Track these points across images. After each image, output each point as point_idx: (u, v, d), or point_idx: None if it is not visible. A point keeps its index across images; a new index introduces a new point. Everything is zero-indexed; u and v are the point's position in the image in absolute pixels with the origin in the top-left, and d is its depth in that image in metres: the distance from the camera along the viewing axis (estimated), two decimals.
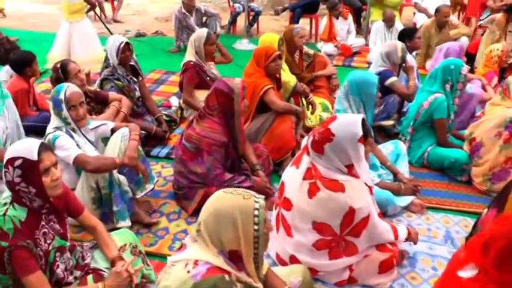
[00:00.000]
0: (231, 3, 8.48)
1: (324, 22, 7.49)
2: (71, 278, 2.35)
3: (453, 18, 7.13)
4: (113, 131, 3.08)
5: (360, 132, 2.43)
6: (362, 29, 8.30)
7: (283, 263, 2.70)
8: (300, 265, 2.45)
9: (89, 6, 6.19)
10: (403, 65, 4.48)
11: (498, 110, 3.75)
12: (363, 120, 2.47)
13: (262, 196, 1.82)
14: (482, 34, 7.24)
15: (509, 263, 1.55)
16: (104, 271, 2.39)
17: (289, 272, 2.31)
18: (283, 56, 4.33)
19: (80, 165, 2.84)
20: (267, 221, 1.79)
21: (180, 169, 3.26)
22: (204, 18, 7.49)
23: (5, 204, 2.16)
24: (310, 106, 4.40)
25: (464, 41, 6.63)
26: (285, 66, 4.47)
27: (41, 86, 5.58)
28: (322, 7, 8.49)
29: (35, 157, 2.11)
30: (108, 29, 7.37)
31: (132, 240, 2.57)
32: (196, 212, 3.20)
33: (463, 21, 7.93)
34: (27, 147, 2.14)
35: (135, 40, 7.85)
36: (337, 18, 7.43)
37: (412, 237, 2.85)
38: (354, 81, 3.31)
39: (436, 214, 3.47)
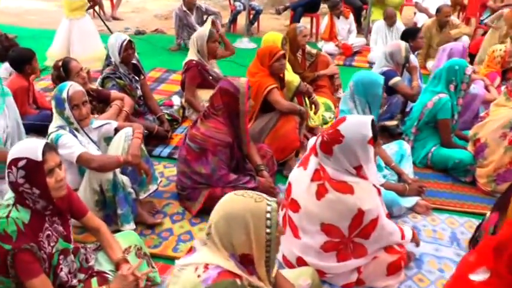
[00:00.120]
0: (232, 2, 8.44)
1: (325, 21, 7.46)
2: (74, 281, 2.32)
3: (453, 18, 7.12)
4: (116, 130, 3.04)
5: (370, 134, 2.40)
6: (362, 29, 8.28)
7: (290, 265, 2.67)
8: (308, 267, 2.42)
9: (89, 4, 6.12)
10: (407, 65, 4.45)
11: (503, 111, 3.73)
12: (372, 121, 2.44)
13: (274, 199, 1.79)
14: (483, 34, 7.26)
15: None
16: (109, 274, 2.36)
17: (298, 274, 2.28)
18: (286, 55, 4.29)
19: (83, 164, 2.79)
20: (279, 224, 1.75)
21: (184, 169, 3.22)
22: (205, 17, 7.44)
23: (8, 205, 2.12)
24: (313, 106, 4.37)
25: (466, 40, 6.64)
26: (288, 65, 4.44)
27: (40, 83, 5.52)
28: (323, 6, 8.47)
29: (39, 157, 2.07)
30: (107, 26, 7.32)
31: (137, 242, 2.54)
32: (200, 213, 3.21)
33: (462, 21, 7.91)
34: (32, 147, 2.10)
35: (135, 38, 7.74)
36: (338, 18, 7.40)
37: (415, 238, 2.84)
38: (360, 82, 3.28)
39: (441, 215, 3.45)
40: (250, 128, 3.71)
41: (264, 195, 1.78)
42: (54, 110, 2.88)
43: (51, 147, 2.15)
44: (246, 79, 3.19)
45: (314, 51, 5.23)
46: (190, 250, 1.87)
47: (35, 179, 2.08)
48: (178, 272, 1.80)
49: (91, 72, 5.39)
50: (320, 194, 2.49)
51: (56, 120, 2.88)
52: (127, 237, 2.55)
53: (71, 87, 2.85)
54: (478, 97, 4.39)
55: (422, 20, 7.57)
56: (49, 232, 2.20)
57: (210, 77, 4.62)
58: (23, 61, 4.13)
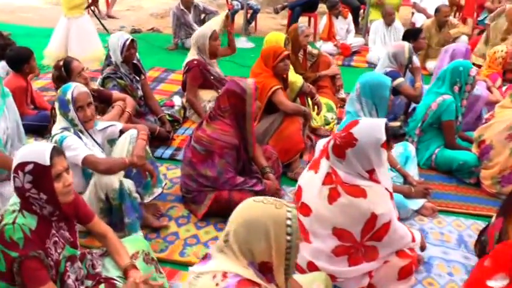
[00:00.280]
0: (229, 1, 8.37)
1: (323, 21, 7.42)
2: None
3: (451, 18, 7.12)
4: (121, 132, 2.98)
5: (384, 137, 2.37)
6: (360, 29, 8.26)
7: (300, 269, 2.62)
8: (321, 273, 2.38)
9: (88, 2, 6.01)
10: (410, 65, 4.43)
11: (508, 113, 3.72)
12: (386, 124, 2.41)
13: (293, 205, 1.74)
14: (479, 33, 7.29)
15: None
16: (117, 280, 2.29)
17: (311, 280, 2.25)
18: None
19: (89, 166, 2.73)
20: (299, 230, 1.71)
21: (189, 172, 3.16)
22: (202, 16, 7.38)
23: (14, 211, 2.06)
24: (315, 107, 4.33)
25: (464, 40, 6.64)
26: (290, 66, 4.39)
27: (37, 83, 5.42)
28: (321, 6, 8.44)
29: (47, 162, 2.01)
30: (103, 25, 7.23)
31: (145, 248, 2.48)
32: (206, 217, 3.15)
33: (459, 21, 7.92)
34: (39, 151, 2.03)
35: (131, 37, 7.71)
36: (337, 18, 7.38)
37: (422, 242, 2.81)
38: (367, 84, 3.24)
39: (448, 217, 3.43)
40: (254, 129, 3.66)
41: (284, 201, 1.74)
42: (57, 112, 2.81)
43: (59, 151, 2.09)
44: (253, 80, 3.14)
45: (315, 51, 5.20)
46: (205, 257, 1.82)
47: (42, 184, 2.02)
48: (195, 280, 1.75)
49: (89, 71, 5.36)
50: (332, 198, 2.45)
51: (60, 122, 2.81)
52: (134, 242, 2.49)
53: (76, 88, 2.78)
54: (481, 98, 4.38)
55: (420, 20, 7.56)
56: (56, 238, 2.14)
57: (212, 77, 4.57)
58: (21, 60, 4.06)
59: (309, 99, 4.38)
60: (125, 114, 3.59)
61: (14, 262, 1.98)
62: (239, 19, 8.46)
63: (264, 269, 1.69)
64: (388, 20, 6.90)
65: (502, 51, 5.02)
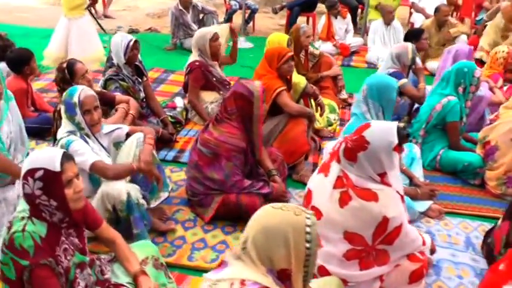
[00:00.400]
0: (227, 1, 8.33)
1: (322, 21, 7.40)
2: None
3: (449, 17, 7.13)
4: (127, 135, 2.94)
5: (396, 141, 2.35)
6: (358, 28, 8.25)
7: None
8: (333, 277, 2.36)
9: (88, 3, 5.93)
10: (413, 66, 4.42)
11: None
12: (398, 127, 2.39)
13: (311, 211, 1.72)
14: (475, 33, 7.32)
15: None
16: (127, 286, 2.26)
17: (324, 285, 2.23)
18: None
19: (97, 173, 2.69)
20: (318, 237, 1.69)
21: (195, 175, 3.13)
22: (201, 16, 7.33)
23: (23, 218, 2.02)
24: (319, 108, 4.31)
25: (464, 39, 6.65)
26: None
27: (37, 84, 5.36)
28: (320, 6, 8.42)
29: (57, 168, 1.97)
30: (100, 25, 7.17)
31: (154, 253, 2.45)
32: (213, 220, 3.12)
33: (457, 21, 7.93)
34: (49, 157, 2.00)
35: None
36: (336, 18, 7.36)
37: (432, 244, 2.80)
38: (375, 86, 3.22)
39: (454, 219, 3.43)
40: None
41: (302, 207, 1.71)
42: (63, 115, 2.76)
43: (69, 157, 2.05)
44: (260, 82, 3.12)
45: (317, 52, 5.18)
46: (221, 264, 1.79)
47: (53, 190, 1.98)
48: None
49: (90, 72, 5.30)
50: (343, 201, 2.43)
51: (66, 126, 2.76)
52: (143, 247, 2.45)
53: (82, 91, 2.74)
54: (484, 99, 4.37)
55: (419, 20, 7.56)
56: (66, 245, 2.11)
57: (214, 79, 4.54)
58: (22, 62, 4.02)
59: (312, 100, 4.36)
60: (128, 116, 3.56)
61: (24, 270, 1.95)
62: (237, 19, 8.43)
63: (283, 277, 1.67)
64: (388, 19, 6.89)
65: (503, 51, 5.01)
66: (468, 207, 3.56)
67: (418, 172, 3.64)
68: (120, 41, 3.90)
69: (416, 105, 4.55)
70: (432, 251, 2.79)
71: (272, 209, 1.69)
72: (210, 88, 4.53)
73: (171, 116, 4.34)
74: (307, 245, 1.65)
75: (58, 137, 2.76)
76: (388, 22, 6.93)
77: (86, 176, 2.80)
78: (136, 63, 4.14)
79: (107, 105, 3.69)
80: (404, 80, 4.25)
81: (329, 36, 7.31)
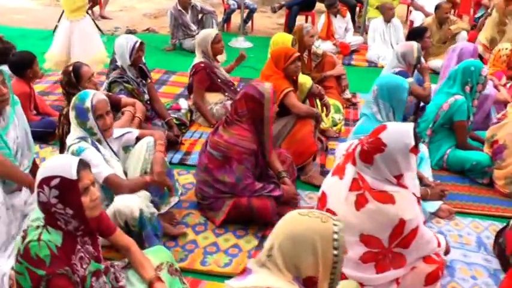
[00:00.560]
0: (225, 0, 8.29)
1: (322, 20, 7.38)
2: None
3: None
4: (137, 139, 2.90)
5: (413, 142, 2.33)
6: (357, 27, 8.24)
7: None
8: (351, 281, 2.34)
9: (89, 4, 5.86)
10: (418, 65, 4.40)
11: None
12: (414, 129, 2.37)
13: (337, 217, 1.70)
14: (472, 28, 7.33)
15: None
16: None
17: None
18: None
19: (111, 187, 2.64)
20: (345, 244, 1.66)
21: (205, 178, 3.10)
22: (200, 16, 7.29)
23: (38, 227, 1.98)
24: (324, 108, 4.28)
25: (464, 35, 6.64)
26: None
27: (37, 87, 5.28)
28: (319, 4, 8.39)
29: (74, 176, 1.94)
30: (97, 26, 7.09)
31: (168, 259, 2.42)
32: (224, 224, 3.09)
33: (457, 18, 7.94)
34: (65, 164, 1.96)
35: None
36: (336, 16, 7.35)
37: (447, 245, 2.78)
38: (385, 86, 3.20)
39: (464, 219, 3.41)
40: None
41: (328, 214, 1.69)
42: (73, 121, 2.71)
43: (85, 164, 2.02)
44: (270, 84, 3.08)
45: (320, 51, 5.15)
46: (244, 271, 1.76)
47: (69, 198, 1.95)
48: None
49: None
50: (359, 204, 2.41)
51: (75, 131, 2.71)
52: (158, 253, 2.42)
53: (95, 96, 2.68)
54: (490, 97, 4.36)
55: (418, 18, 7.56)
56: (81, 254, 2.07)
57: (219, 80, 4.51)
58: (24, 65, 3.96)
59: (317, 100, 4.33)
60: (135, 119, 3.51)
61: (41, 280, 1.91)
62: (236, 19, 8.40)
63: (309, 284, 1.64)
64: (388, 16, 6.89)
65: (506, 49, 5.02)
66: (478, 207, 3.55)
67: (427, 172, 3.62)
68: (125, 42, 3.85)
69: (421, 104, 4.53)
70: (446, 252, 2.78)
71: (299, 215, 1.66)
72: (215, 89, 4.49)
73: (175, 117, 4.30)
74: (335, 252, 1.62)
75: (68, 143, 2.71)
76: (388, 19, 6.92)
77: (97, 183, 2.75)
78: (140, 65, 4.09)
79: (113, 108, 3.61)
80: (410, 79, 4.22)
81: (329, 35, 7.29)
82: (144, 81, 4.09)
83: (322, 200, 2.61)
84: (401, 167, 2.37)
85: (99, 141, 2.72)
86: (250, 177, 3.01)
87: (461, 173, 3.93)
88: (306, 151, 3.67)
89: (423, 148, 3.77)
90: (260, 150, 3.09)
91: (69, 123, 3.09)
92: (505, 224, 3.14)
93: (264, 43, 7.69)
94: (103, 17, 8.90)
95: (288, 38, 4.36)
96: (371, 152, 2.36)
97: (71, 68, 3.31)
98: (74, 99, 2.71)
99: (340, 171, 2.55)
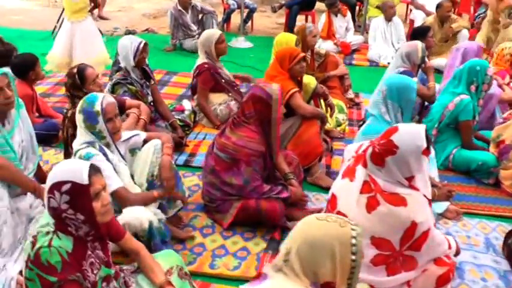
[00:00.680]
0: (225, 0, 8.26)
1: (322, 19, 7.36)
2: None
3: None
4: (144, 141, 2.87)
5: (425, 144, 2.32)
6: (357, 26, 8.22)
7: None
8: (362, 284, 2.32)
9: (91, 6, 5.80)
10: (422, 65, 4.39)
11: None
12: (426, 130, 2.35)
13: (354, 221, 1.68)
14: (472, 26, 7.33)
15: None
16: None
17: None
18: None
19: (118, 200, 2.60)
20: (363, 249, 1.64)
21: (212, 180, 3.07)
22: (200, 16, 7.26)
23: (48, 233, 1.95)
24: (328, 108, 4.26)
25: (465, 34, 6.63)
26: None
27: (38, 88, 5.23)
28: (318, 4, 8.37)
29: (85, 181, 1.91)
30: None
31: (178, 262, 2.39)
32: (231, 226, 3.07)
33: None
34: (76, 169, 1.94)
35: None
36: (336, 16, 7.32)
37: (457, 247, 2.77)
38: (395, 86, 3.19)
39: (471, 220, 3.40)
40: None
41: (346, 218, 1.67)
42: (80, 124, 2.66)
43: (96, 169, 1.99)
44: (278, 85, 3.06)
45: (323, 51, 5.13)
46: (259, 276, 1.74)
47: (80, 204, 1.93)
48: None
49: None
50: (371, 206, 2.39)
51: (82, 136, 2.66)
52: (167, 257, 2.39)
53: (104, 99, 2.65)
54: (495, 97, 4.34)
55: (419, 17, 7.54)
56: (92, 259, 2.05)
57: (223, 80, 4.48)
58: (27, 67, 3.92)
59: (321, 100, 4.31)
60: (140, 121, 3.48)
61: (52, 287, 1.89)
62: (235, 19, 8.37)
63: None
64: (390, 14, 6.88)
65: (509, 47, 4.99)
66: (485, 208, 3.53)
67: (433, 172, 3.59)
68: (129, 43, 3.82)
69: (425, 104, 4.51)
70: (456, 253, 2.76)
71: (317, 220, 1.65)
72: (218, 90, 4.47)
73: (179, 119, 4.26)
74: (353, 257, 1.61)
75: (75, 147, 2.67)
76: (389, 18, 6.91)
77: None
78: (143, 66, 4.06)
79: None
80: (415, 79, 4.20)
81: (329, 34, 7.27)
82: (147, 83, 4.06)
83: (332, 203, 2.59)
84: (413, 169, 2.35)
85: (107, 145, 2.68)
86: (259, 179, 2.98)
87: (467, 173, 3.91)
88: (312, 152, 3.65)
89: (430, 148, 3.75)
90: (268, 152, 3.06)
91: (73, 126, 3.06)
92: (510, 229, 3.13)
93: (264, 43, 7.70)
94: (101, 18, 8.85)
95: (292, 38, 4.34)
96: (383, 154, 2.35)
97: (75, 70, 3.27)
98: (81, 102, 2.67)
99: (350, 174, 2.54)
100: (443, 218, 3.38)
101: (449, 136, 3.96)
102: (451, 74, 4.32)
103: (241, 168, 2.95)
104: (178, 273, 2.35)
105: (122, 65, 3.92)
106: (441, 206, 3.37)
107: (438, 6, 6.45)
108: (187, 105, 4.54)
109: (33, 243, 1.95)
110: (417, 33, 5.03)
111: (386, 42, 7.02)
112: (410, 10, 8.42)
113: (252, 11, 8.19)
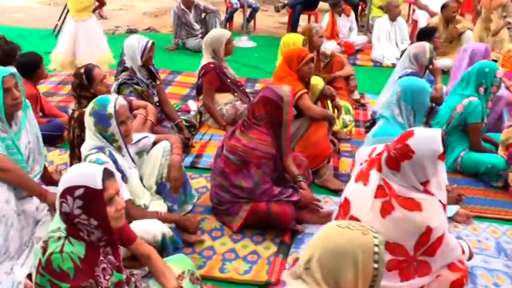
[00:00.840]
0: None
1: (325, 19, 7.33)
2: None
3: None
4: (153, 143, 2.83)
5: (441, 149, 2.29)
6: (360, 26, 8.19)
7: None
8: None
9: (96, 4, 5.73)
10: (430, 66, 4.36)
11: None
12: (442, 135, 2.32)
13: (374, 228, 1.64)
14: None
15: None
16: None
17: None
18: None
19: None
20: (384, 257, 1.61)
21: (221, 182, 3.03)
22: (203, 15, 7.22)
23: (59, 238, 1.91)
24: (336, 110, 4.23)
25: (470, 34, 6.60)
26: None
27: (40, 87, 5.18)
28: (321, 3, 8.34)
29: (99, 185, 1.87)
30: None
31: (190, 267, 2.36)
32: (241, 229, 3.03)
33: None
34: (89, 174, 1.90)
35: (127, 37, 7.49)
36: (340, 15, 7.29)
37: (470, 251, 2.74)
38: (409, 89, 3.16)
39: (481, 223, 3.37)
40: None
41: (368, 226, 1.63)
42: (91, 127, 2.60)
43: (110, 173, 1.95)
44: (289, 87, 3.02)
45: (329, 51, 5.09)
46: (278, 283, 1.71)
47: (94, 209, 1.89)
48: None
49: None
50: (385, 211, 2.36)
51: (92, 139, 2.61)
52: (179, 262, 2.36)
53: (117, 101, 2.60)
54: (503, 99, 4.32)
55: (423, 18, 7.51)
56: (104, 265, 2.01)
57: (229, 80, 4.45)
58: (33, 66, 3.88)
59: (328, 102, 4.27)
60: (147, 122, 3.44)
61: None
62: (238, 18, 8.32)
63: None
64: (395, 14, 6.85)
65: None
66: (494, 211, 3.50)
67: (443, 175, 3.57)
68: (136, 43, 3.78)
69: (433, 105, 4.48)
70: (469, 258, 2.73)
71: (339, 227, 1.61)
72: (224, 90, 4.43)
73: (185, 119, 4.22)
74: (375, 265, 1.57)
75: (84, 152, 2.62)
76: (394, 18, 6.89)
77: None
78: (150, 66, 4.02)
79: None
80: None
81: (333, 34, 7.24)
82: (153, 83, 4.01)
83: (345, 207, 2.56)
84: (428, 173, 2.32)
85: (119, 148, 2.64)
86: (269, 181, 2.95)
87: (475, 175, 3.88)
88: (320, 154, 3.61)
89: None
90: (278, 154, 3.02)
91: (80, 127, 3.03)
92: None
93: (266, 42, 7.67)
94: (102, 17, 8.78)
95: (299, 38, 4.30)
96: (398, 158, 2.31)
97: (82, 70, 3.22)
98: (91, 105, 2.62)
99: (363, 178, 2.50)
100: (453, 222, 3.34)
101: (457, 138, 3.93)
102: (458, 76, 4.30)
103: (251, 171, 2.91)
104: (190, 278, 2.32)
105: (128, 65, 3.88)
106: (451, 210, 3.34)
107: (444, 7, 6.42)
108: (192, 105, 4.50)
109: (44, 249, 1.91)
110: (423, 34, 4.99)
111: (390, 42, 6.99)
112: (414, 10, 8.39)
113: (254, 10, 8.15)
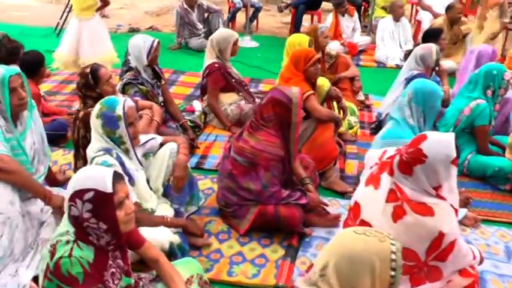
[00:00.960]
0: None
1: (329, 19, 7.29)
2: None
3: None
4: (160, 145, 2.80)
5: (454, 154, 2.26)
6: (363, 26, 8.16)
7: None
8: None
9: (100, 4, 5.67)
10: (436, 68, 4.33)
11: None
12: (455, 139, 2.30)
13: (389, 235, 1.61)
14: None
15: None
16: None
17: None
18: None
19: None
20: (402, 264, 1.58)
21: (229, 184, 2.99)
22: (206, 15, 7.18)
23: (68, 242, 1.88)
24: (341, 111, 4.19)
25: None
26: None
27: (42, 86, 5.14)
28: (324, 3, 8.31)
29: (109, 189, 1.84)
30: None
31: (198, 271, 2.33)
32: (248, 232, 2.99)
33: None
34: (99, 177, 1.86)
35: (129, 36, 7.46)
36: (343, 16, 7.26)
37: (481, 256, 2.71)
38: (421, 91, 3.14)
39: (489, 227, 3.34)
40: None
41: (385, 233, 1.60)
42: (97, 129, 2.56)
43: (120, 176, 1.92)
44: (298, 88, 2.98)
45: (334, 52, 5.06)
46: None
47: (103, 213, 1.85)
48: None
49: None
50: (397, 215, 2.33)
51: (98, 141, 2.57)
52: (187, 265, 2.33)
53: (126, 103, 2.55)
54: (510, 101, 4.28)
55: (426, 19, 7.49)
56: (113, 269, 1.98)
57: (233, 80, 4.42)
58: (37, 65, 3.84)
59: (333, 103, 4.24)
60: (153, 123, 3.41)
61: None
62: (241, 18, 8.29)
63: None
64: (398, 14, 6.82)
65: None
66: (502, 215, 3.47)
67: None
68: (142, 42, 3.74)
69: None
70: (480, 263, 2.70)
71: (355, 234, 1.58)
72: (229, 90, 4.40)
73: (189, 120, 4.19)
74: (392, 273, 1.56)
75: (90, 154, 2.58)
76: (397, 18, 6.86)
77: None
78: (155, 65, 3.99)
79: None
80: None
81: (336, 34, 7.20)
82: (158, 83, 3.98)
83: (355, 210, 2.52)
84: (441, 178, 2.30)
85: (126, 150, 2.59)
86: (277, 184, 2.91)
87: (482, 178, 3.86)
88: (327, 156, 3.58)
89: None
90: (287, 157, 2.99)
91: (85, 127, 2.99)
92: None
93: (269, 42, 7.65)
94: (103, 16, 8.72)
95: (305, 39, 4.27)
96: (411, 162, 2.29)
97: (88, 70, 3.17)
98: (98, 106, 2.57)
99: (374, 181, 2.47)
100: (461, 225, 3.31)
101: (464, 141, 3.89)
102: (464, 77, 4.28)
103: (259, 173, 2.87)
104: (198, 282, 2.29)
105: (133, 64, 3.85)
106: (459, 213, 3.30)
107: (449, 8, 6.38)
108: (197, 105, 4.46)
109: (52, 253, 1.88)
110: (429, 35, 4.96)
111: (394, 43, 6.97)
112: (417, 11, 8.36)
113: (257, 10, 8.12)
